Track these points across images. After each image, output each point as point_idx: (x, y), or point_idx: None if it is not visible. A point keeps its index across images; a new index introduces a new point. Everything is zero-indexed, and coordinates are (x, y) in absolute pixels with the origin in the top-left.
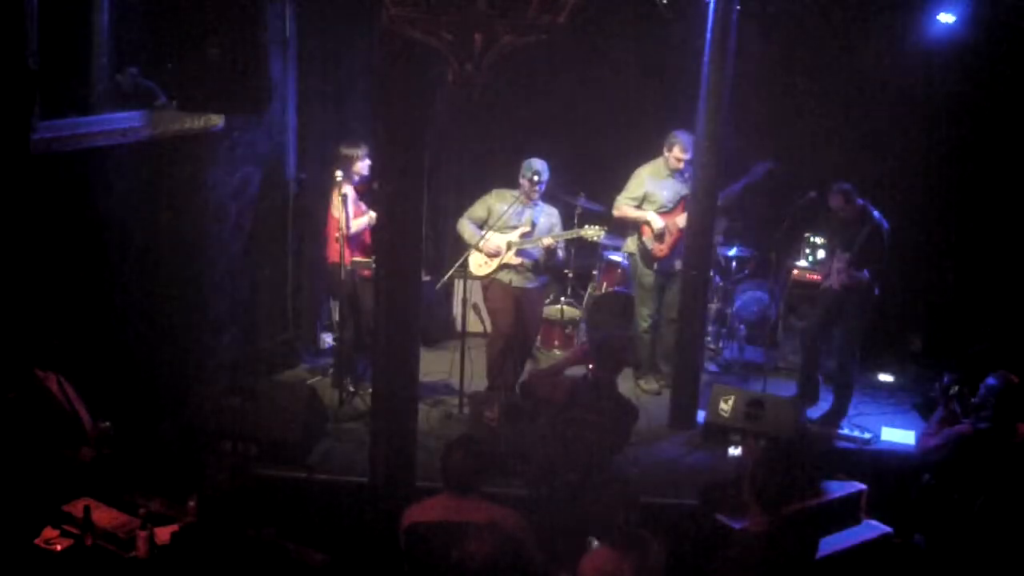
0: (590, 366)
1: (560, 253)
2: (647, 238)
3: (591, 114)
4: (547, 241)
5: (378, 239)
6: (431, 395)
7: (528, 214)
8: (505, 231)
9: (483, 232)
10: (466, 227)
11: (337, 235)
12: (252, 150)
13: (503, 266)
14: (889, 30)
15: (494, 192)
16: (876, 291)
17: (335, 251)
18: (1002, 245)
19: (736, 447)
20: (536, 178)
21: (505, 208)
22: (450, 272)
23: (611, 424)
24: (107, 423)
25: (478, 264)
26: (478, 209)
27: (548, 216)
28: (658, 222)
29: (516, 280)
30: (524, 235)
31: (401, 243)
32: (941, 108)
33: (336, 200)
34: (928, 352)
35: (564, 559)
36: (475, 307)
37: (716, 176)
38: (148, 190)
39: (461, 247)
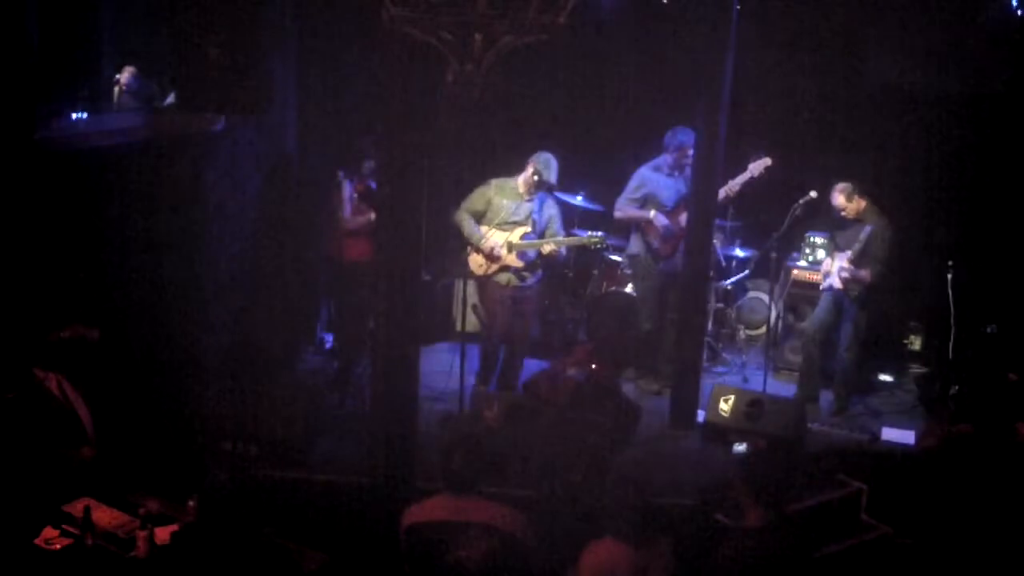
0: (592, 366)
1: (563, 251)
2: (652, 237)
3: (591, 114)
4: (547, 248)
5: (378, 239)
6: (431, 395)
7: (527, 208)
8: (505, 228)
9: (483, 230)
10: (465, 222)
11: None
12: (252, 150)
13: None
14: (889, 29)
15: (494, 184)
16: (876, 291)
17: (336, 248)
18: (1002, 245)
19: (741, 444)
20: (544, 177)
21: (505, 203)
22: (451, 274)
23: (612, 424)
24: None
25: (478, 264)
26: (477, 202)
27: (548, 208)
28: (661, 219)
29: (512, 280)
30: (525, 235)
31: (401, 243)
32: (941, 108)
33: (339, 197)
34: (929, 352)
35: (565, 559)
36: (475, 307)
37: (716, 176)
38: (148, 190)
39: (461, 244)
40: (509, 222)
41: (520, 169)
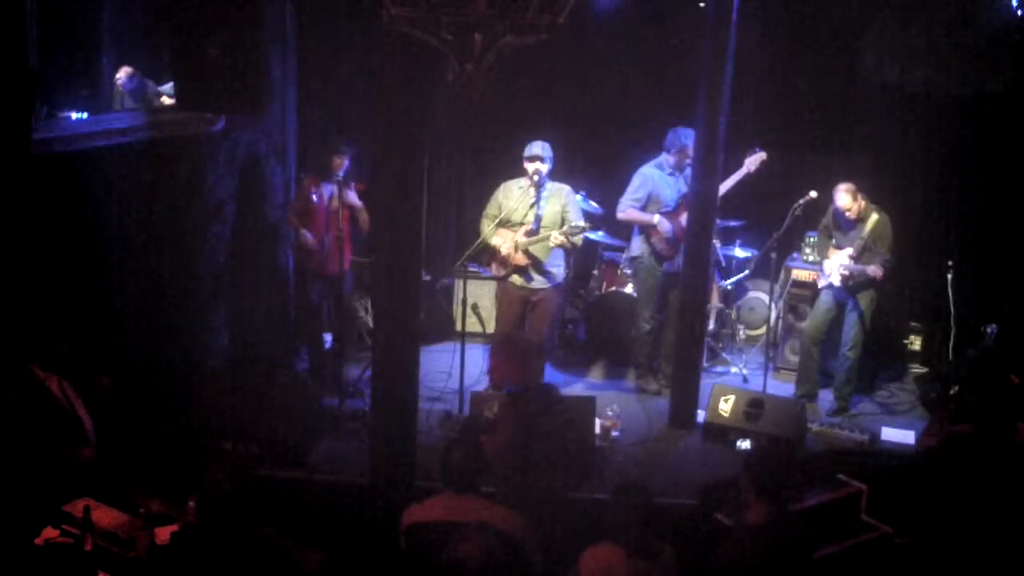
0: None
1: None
2: (655, 239)
3: (591, 114)
4: (554, 241)
5: (377, 239)
6: (431, 395)
7: (529, 205)
8: (511, 228)
9: (496, 232)
10: (484, 227)
11: (338, 233)
12: (252, 150)
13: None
14: (889, 30)
15: (501, 187)
16: (876, 289)
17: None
18: (1002, 245)
19: (745, 440)
20: (539, 164)
21: (511, 204)
22: (469, 252)
23: (565, 416)
24: (108, 379)
25: (495, 267)
26: (491, 205)
27: (553, 201)
28: (665, 224)
29: (523, 281)
30: (528, 233)
31: (400, 243)
32: (941, 108)
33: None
34: (929, 352)
35: (565, 560)
36: (475, 307)
37: (716, 176)
38: (148, 190)
39: (466, 245)
40: (514, 221)
41: (518, 173)
